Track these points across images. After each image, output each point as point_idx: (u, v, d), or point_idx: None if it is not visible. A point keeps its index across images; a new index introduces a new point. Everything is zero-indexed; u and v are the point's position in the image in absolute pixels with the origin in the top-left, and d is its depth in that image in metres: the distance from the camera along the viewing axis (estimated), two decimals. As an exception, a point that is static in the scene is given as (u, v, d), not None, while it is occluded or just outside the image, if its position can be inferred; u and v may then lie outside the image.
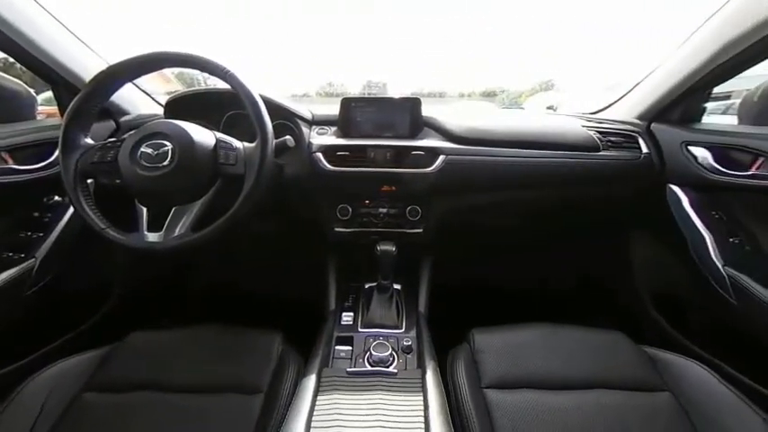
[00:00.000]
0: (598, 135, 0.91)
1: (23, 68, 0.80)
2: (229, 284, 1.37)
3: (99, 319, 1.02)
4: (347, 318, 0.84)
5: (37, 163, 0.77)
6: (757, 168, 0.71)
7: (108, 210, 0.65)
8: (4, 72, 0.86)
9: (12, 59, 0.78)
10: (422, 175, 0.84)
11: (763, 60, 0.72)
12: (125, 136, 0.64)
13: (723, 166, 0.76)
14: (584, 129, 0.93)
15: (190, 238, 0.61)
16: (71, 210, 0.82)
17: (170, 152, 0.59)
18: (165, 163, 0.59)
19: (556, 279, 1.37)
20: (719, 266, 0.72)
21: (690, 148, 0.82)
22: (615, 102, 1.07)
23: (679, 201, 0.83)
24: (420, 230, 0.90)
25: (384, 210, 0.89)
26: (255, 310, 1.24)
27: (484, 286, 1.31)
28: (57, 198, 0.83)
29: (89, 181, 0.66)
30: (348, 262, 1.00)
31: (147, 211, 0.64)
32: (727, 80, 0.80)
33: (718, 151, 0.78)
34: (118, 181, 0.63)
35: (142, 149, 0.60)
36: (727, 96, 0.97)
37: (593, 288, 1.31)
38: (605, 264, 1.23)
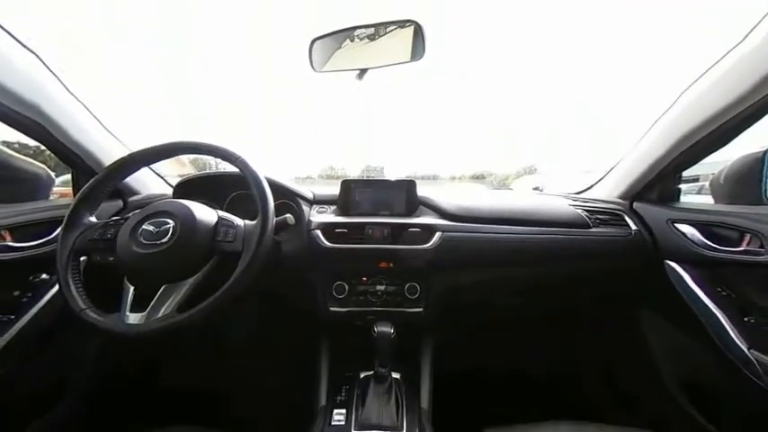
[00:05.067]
0: (586, 213, 0.95)
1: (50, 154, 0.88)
2: (208, 376, 1.22)
3: (55, 419, 0.87)
4: (339, 417, 0.73)
5: (35, 240, 0.78)
6: (747, 244, 0.73)
7: (94, 289, 0.62)
8: (34, 157, 0.93)
9: (42, 147, 0.85)
10: (419, 251, 0.84)
11: (716, 149, 0.81)
12: (129, 214, 0.65)
13: (713, 242, 0.78)
14: (572, 207, 0.98)
15: (174, 319, 0.57)
16: (53, 290, 0.79)
17: (171, 229, 0.60)
18: (165, 240, 0.59)
19: (569, 365, 1.24)
20: (745, 351, 0.67)
21: (677, 225, 0.85)
22: (596, 183, 1.15)
23: (681, 278, 0.82)
24: (420, 309, 0.86)
25: (382, 287, 0.86)
26: (236, 403, 1.08)
27: (490, 374, 1.18)
28: (44, 276, 0.81)
29: (82, 259, 0.66)
30: (342, 347, 0.92)
31: (135, 290, 0.62)
32: (691, 165, 0.89)
33: (705, 228, 0.81)
34: (111, 258, 0.62)
35: (144, 227, 0.61)
36: (695, 179, 1.06)
37: (612, 376, 1.18)
38: (621, 350, 1.14)
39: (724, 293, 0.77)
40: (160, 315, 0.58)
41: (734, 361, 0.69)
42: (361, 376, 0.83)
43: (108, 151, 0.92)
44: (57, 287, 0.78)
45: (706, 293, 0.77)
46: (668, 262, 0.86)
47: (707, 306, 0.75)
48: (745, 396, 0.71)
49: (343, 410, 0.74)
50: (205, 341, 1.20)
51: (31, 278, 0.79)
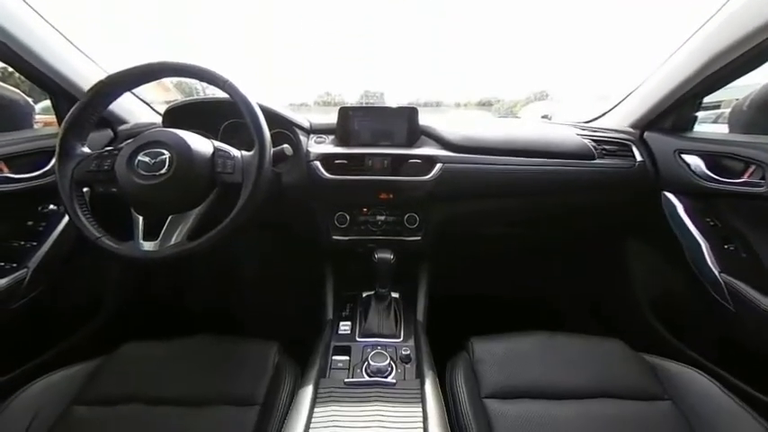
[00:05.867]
0: (593, 143, 0.92)
1: (22, 78, 0.81)
2: (226, 298, 1.35)
3: (90, 333, 1.00)
4: (345, 327, 0.83)
5: (32, 171, 0.77)
6: (749, 176, 0.72)
7: (103, 218, 0.64)
8: (2, 81, 0.86)
9: (10, 69, 0.78)
10: (419, 183, 0.84)
11: (749, 71, 0.74)
12: (122, 144, 0.63)
13: (716, 174, 0.77)
14: (579, 137, 0.94)
15: (186, 246, 0.60)
16: (66, 219, 0.81)
17: (167, 160, 0.59)
18: (163, 171, 0.59)
19: (554, 287, 1.36)
20: (716, 274, 0.73)
21: (683, 155, 0.83)
22: (608, 111, 1.09)
23: (674, 208, 0.84)
24: (418, 238, 0.90)
25: (382, 217, 0.89)
26: (252, 321, 1.22)
27: (482, 294, 1.30)
28: (52, 206, 0.83)
29: (85, 190, 0.66)
30: (346, 271, 0.99)
31: (143, 219, 0.64)
32: (716, 90, 0.82)
33: (711, 159, 0.79)
34: (114, 189, 0.63)
35: (139, 158, 0.60)
36: (717, 106, 0.99)
37: (590, 296, 1.30)
38: (603, 272, 1.23)
39: (712, 224, 0.80)
40: (172, 243, 0.61)
41: (703, 283, 0.76)
42: (363, 295, 0.92)
43: (85, 75, 0.85)
44: (67, 217, 0.80)
45: (694, 222, 0.80)
46: (665, 193, 0.86)
47: (692, 234, 0.79)
48: (710, 314, 0.79)
49: (348, 323, 0.84)
50: (212, 271, 1.29)
51: (40, 209, 0.82)
